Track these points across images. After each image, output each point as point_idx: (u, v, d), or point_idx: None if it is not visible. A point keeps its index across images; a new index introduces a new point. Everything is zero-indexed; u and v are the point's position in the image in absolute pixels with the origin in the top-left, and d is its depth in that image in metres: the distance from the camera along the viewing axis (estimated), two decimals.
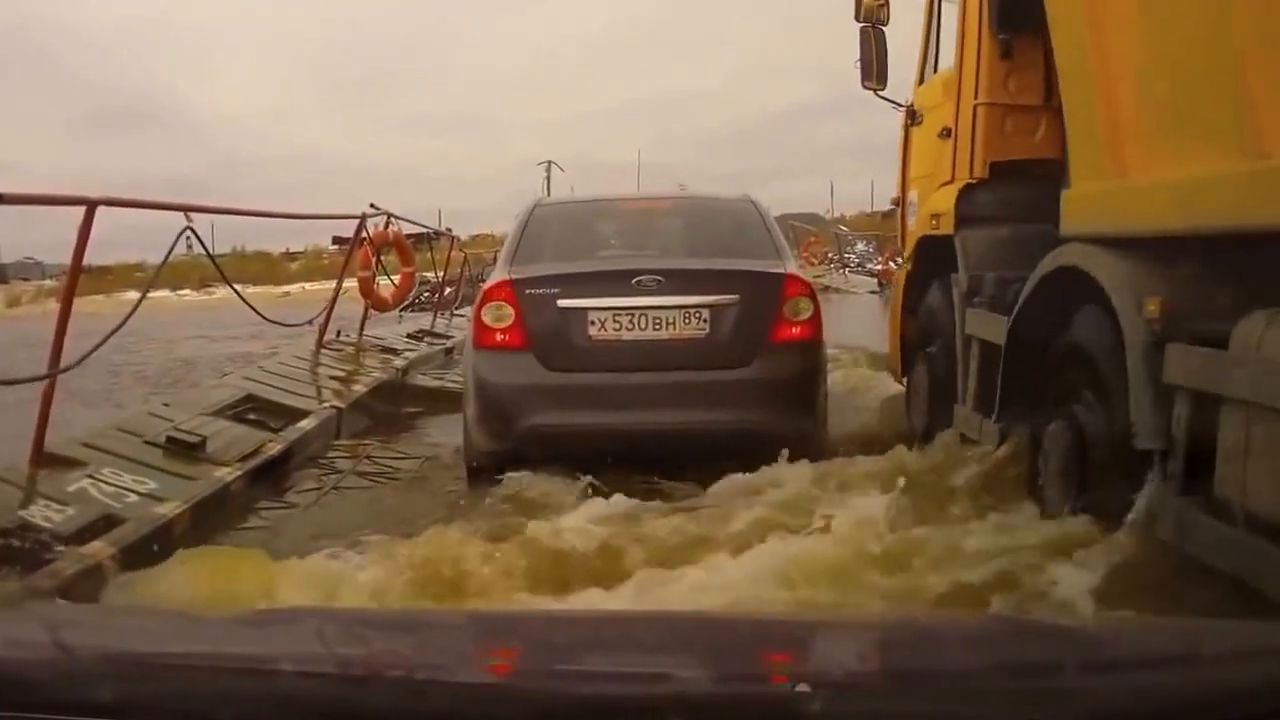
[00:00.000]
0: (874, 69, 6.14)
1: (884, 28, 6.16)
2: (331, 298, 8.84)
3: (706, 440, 4.86)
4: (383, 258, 10.26)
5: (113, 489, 4.27)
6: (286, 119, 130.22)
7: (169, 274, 6.35)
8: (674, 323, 4.99)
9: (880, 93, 6.25)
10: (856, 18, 6.18)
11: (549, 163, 55.85)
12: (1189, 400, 3.09)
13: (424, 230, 14.47)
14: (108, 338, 4.94)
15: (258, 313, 7.08)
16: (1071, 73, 4.14)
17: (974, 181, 5.19)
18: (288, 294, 39.71)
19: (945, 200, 5.38)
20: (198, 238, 5.82)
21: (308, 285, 38.02)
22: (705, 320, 4.99)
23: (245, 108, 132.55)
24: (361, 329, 9.66)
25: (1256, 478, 2.75)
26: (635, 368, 4.97)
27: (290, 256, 48.46)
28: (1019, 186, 4.88)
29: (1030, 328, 4.21)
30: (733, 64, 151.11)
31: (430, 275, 16.31)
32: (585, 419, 4.89)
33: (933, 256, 5.60)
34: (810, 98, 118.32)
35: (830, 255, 30.21)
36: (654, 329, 4.98)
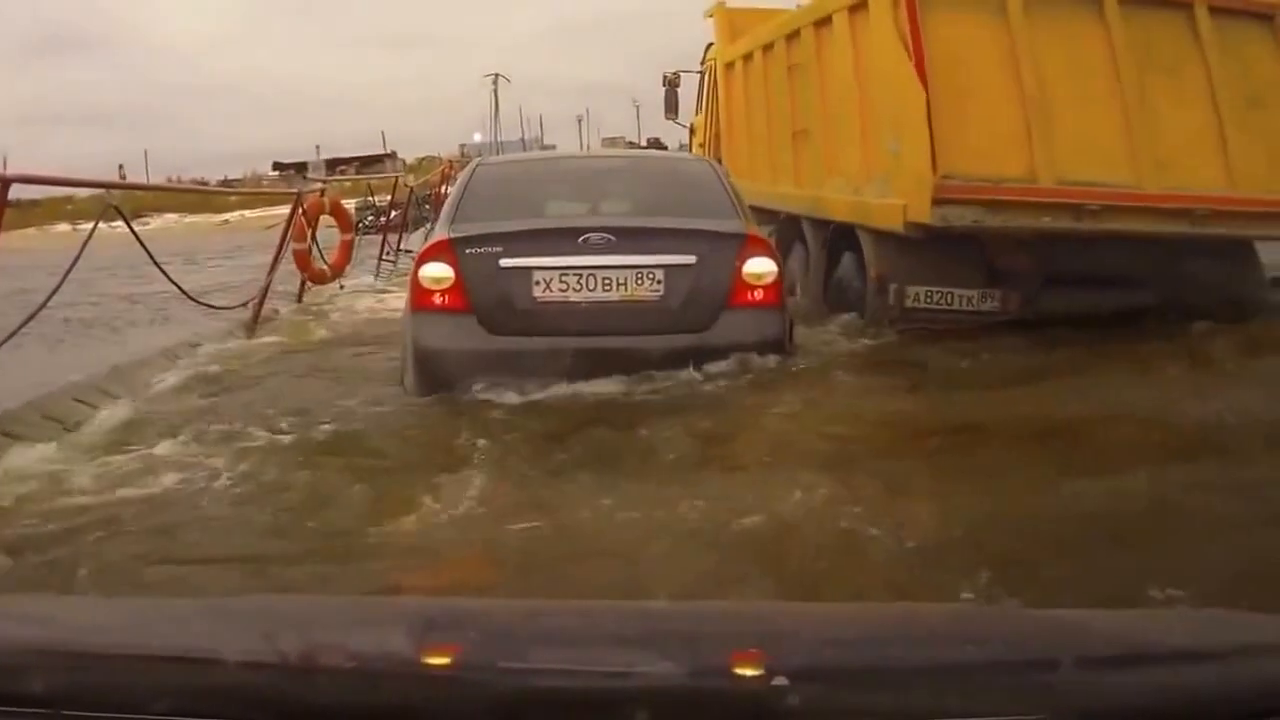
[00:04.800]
0: (673, 109, 13.32)
1: (677, 88, 13.09)
2: (266, 278, 8.73)
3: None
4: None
5: None
6: (234, 40, 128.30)
7: (98, 206, 6.36)
8: (625, 284, 4.94)
9: (677, 121, 13.58)
10: (663, 84, 13.14)
11: (495, 75, 54.75)
12: None
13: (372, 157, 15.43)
14: (40, 307, 4.90)
15: (186, 294, 7.36)
16: (725, 129, 10.74)
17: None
18: (226, 222, 39.36)
19: None
20: (123, 216, 5.82)
21: (247, 213, 37.42)
22: (660, 281, 4.95)
23: (191, 30, 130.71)
24: (300, 300, 9.65)
25: None
26: (584, 331, 4.93)
27: (228, 185, 47.89)
28: None
29: None
30: None
31: (375, 200, 17.07)
32: (531, 386, 4.86)
33: None
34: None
35: None
36: (604, 290, 4.94)
